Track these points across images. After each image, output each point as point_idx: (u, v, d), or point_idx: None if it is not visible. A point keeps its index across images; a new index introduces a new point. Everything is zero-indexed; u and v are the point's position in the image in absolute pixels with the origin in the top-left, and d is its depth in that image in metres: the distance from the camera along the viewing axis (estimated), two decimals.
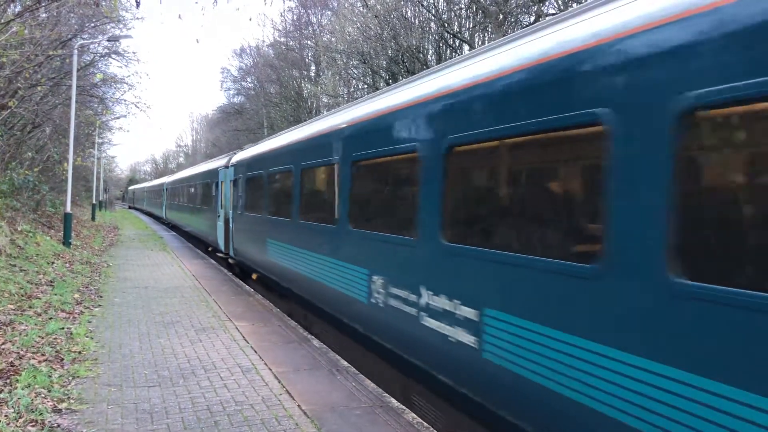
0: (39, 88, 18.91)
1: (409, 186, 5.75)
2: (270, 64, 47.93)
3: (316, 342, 8.39)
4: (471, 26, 27.55)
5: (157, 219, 46.75)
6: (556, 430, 3.70)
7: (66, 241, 18.44)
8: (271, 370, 6.93)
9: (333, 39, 33.21)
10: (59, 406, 5.51)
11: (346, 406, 5.77)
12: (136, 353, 7.48)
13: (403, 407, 5.88)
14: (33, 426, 5.03)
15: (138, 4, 14.80)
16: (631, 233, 3.14)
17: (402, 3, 27.03)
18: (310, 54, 44.53)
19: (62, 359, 6.97)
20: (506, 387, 4.17)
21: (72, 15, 20.34)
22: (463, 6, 26.93)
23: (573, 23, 3.89)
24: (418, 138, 5.50)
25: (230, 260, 16.17)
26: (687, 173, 2.88)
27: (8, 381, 5.98)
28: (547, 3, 22.40)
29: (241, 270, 15.26)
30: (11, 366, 6.41)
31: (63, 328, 8.27)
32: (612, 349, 3.22)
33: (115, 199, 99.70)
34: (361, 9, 29.37)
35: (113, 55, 26.88)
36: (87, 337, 8.09)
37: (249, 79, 58.47)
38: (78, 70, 20.23)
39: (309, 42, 43.40)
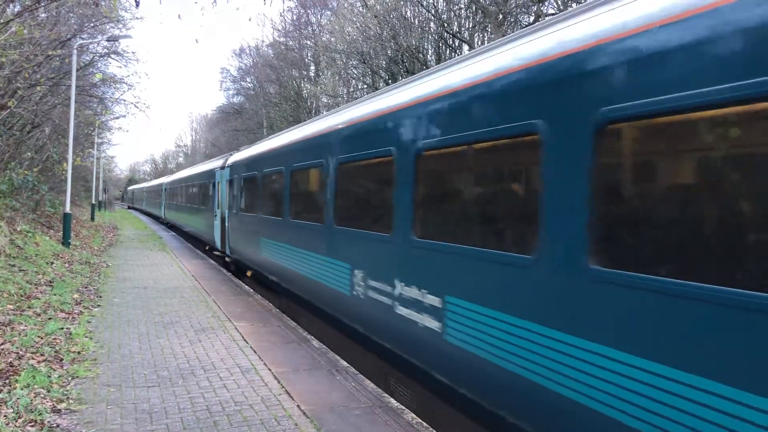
0: (38, 88, 18.88)
1: (387, 186, 6.19)
2: (269, 64, 47.94)
3: (315, 342, 8.38)
4: (470, 26, 27.55)
5: (156, 219, 46.75)
6: (505, 402, 4.24)
7: (65, 241, 18.43)
8: (270, 370, 6.93)
9: (332, 39, 33.20)
10: (58, 407, 5.50)
11: (346, 407, 5.76)
12: (136, 353, 7.47)
13: (403, 407, 5.88)
14: (32, 426, 5.02)
15: (137, 4, 14.80)
16: (558, 228, 3.67)
17: (401, 3, 27.03)
18: (309, 54, 44.53)
19: (61, 359, 6.97)
20: (464, 366, 4.70)
21: (71, 15, 20.34)
22: (462, 6, 26.93)
23: (511, 47, 4.55)
24: (394, 143, 6.02)
25: (226, 258, 16.62)
26: (606, 182, 3.41)
27: (7, 381, 5.98)
28: (546, 3, 22.41)
29: (237, 268, 15.69)
30: (10, 366, 6.41)
31: (62, 329, 8.27)
32: (544, 327, 3.77)
33: (115, 199, 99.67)
34: (361, 9, 29.36)
35: (112, 55, 26.92)
36: (86, 337, 8.09)
37: (248, 79, 58.49)
38: (77, 70, 20.22)
39: (308, 42, 43.40)
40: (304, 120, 21.34)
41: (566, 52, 3.74)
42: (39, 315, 9.02)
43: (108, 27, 23.35)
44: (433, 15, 27.52)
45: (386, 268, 6.09)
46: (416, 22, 28.43)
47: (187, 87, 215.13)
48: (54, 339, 7.73)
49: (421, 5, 27.32)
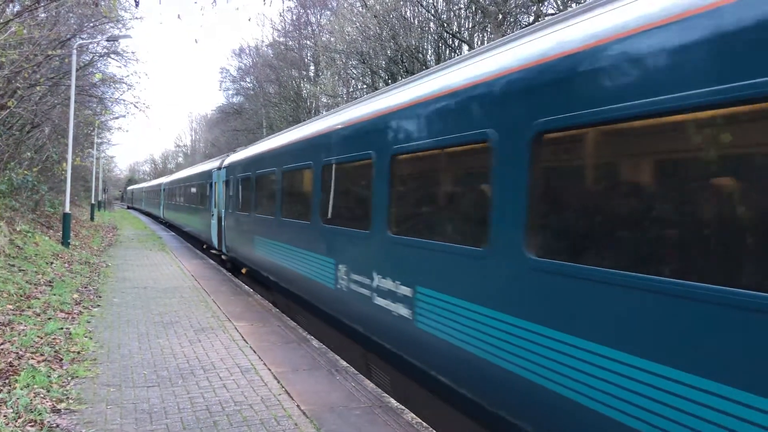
0: (38, 88, 18.86)
1: (366, 187, 6.69)
2: (269, 64, 47.92)
3: (315, 342, 8.38)
4: (470, 26, 27.56)
5: (156, 219, 46.75)
6: (467, 381, 4.72)
7: (65, 241, 18.43)
8: (270, 370, 6.93)
9: (332, 39, 33.20)
10: (58, 407, 5.50)
11: (346, 406, 5.77)
12: (135, 353, 7.47)
13: (402, 407, 5.88)
14: (32, 426, 5.02)
15: (137, 4, 14.80)
16: (503, 224, 4.23)
17: (401, 3, 27.02)
18: (309, 54, 44.53)
19: (61, 359, 6.96)
20: (431, 349, 5.20)
21: (71, 15, 20.32)
22: (462, 6, 26.93)
23: (467, 64, 5.14)
24: (372, 147, 6.55)
25: (223, 256, 17.13)
26: (542, 183, 3.96)
27: (7, 381, 5.98)
28: (546, 3, 22.41)
29: (233, 265, 16.17)
30: (10, 366, 6.41)
31: (62, 329, 8.26)
32: (493, 311, 4.32)
33: (114, 199, 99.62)
34: (361, 9, 29.36)
35: (112, 55, 26.90)
36: (86, 337, 8.09)
37: (248, 79, 58.47)
38: (77, 70, 20.21)
39: (308, 42, 43.39)
40: (304, 120, 21.45)
41: (504, 72, 4.38)
42: (38, 315, 9.02)
43: (107, 27, 23.35)
44: (432, 15, 27.53)
45: (365, 262, 6.61)
46: (416, 22, 28.44)
47: (187, 87, 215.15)
48: (54, 339, 7.73)
49: (421, 5, 27.32)
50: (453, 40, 27.72)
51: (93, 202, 42.76)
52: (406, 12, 28.11)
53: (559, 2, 21.38)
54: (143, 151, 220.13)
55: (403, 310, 5.68)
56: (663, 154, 3.22)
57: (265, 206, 11.64)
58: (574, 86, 3.64)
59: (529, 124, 4.01)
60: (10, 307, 9.07)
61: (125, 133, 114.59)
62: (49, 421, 5.14)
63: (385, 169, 6.15)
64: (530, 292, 3.94)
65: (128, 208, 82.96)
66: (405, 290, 5.66)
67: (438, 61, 27.28)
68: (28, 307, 9.34)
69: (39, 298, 10.08)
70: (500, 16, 22.71)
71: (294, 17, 44.76)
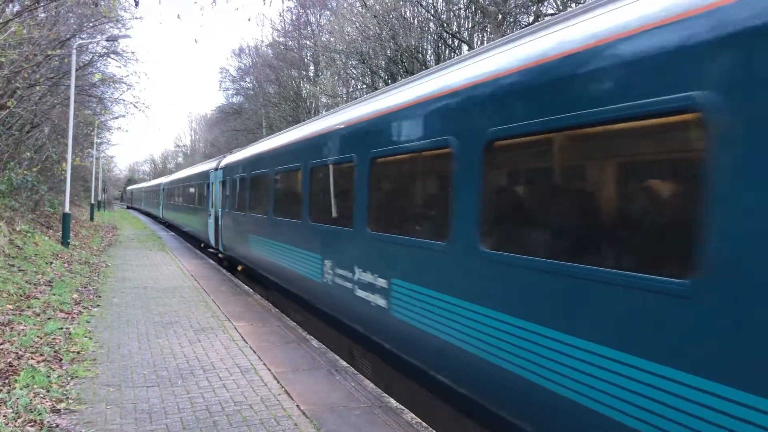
0: (37, 87, 18.85)
1: (349, 187, 7.15)
2: (269, 64, 47.90)
3: (315, 342, 8.39)
4: (470, 26, 27.56)
5: (155, 218, 46.75)
6: (436, 363, 5.22)
7: (64, 241, 18.42)
8: (270, 370, 6.93)
9: (332, 39, 33.19)
10: (58, 407, 5.50)
11: (345, 406, 5.77)
12: (135, 353, 7.47)
13: (402, 407, 5.88)
14: (32, 426, 5.02)
15: (137, 4, 14.79)
16: (462, 221, 4.75)
17: (401, 3, 27.01)
18: (308, 54, 44.51)
19: (61, 359, 6.96)
20: (404, 335, 5.72)
21: (71, 15, 20.30)
22: (462, 6, 26.92)
23: (434, 77, 5.73)
24: (354, 150, 7.06)
25: (219, 255, 17.66)
26: (492, 185, 4.53)
27: (7, 381, 5.98)
28: (546, 3, 22.41)
29: (230, 264, 16.75)
30: (10, 366, 6.41)
31: (62, 329, 8.26)
32: (454, 297, 4.83)
33: (114, 199, 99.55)
34: (360, 9, 29.35)
35: (112, 55, 26.85)
36: (86, 337, 8.09)
37: (248, 79, 58.43)
38: (76, 70, 20.19)
39: (308, 42, 43.38)
40: (304, 120, 21.55)
41: (462, 86, 4.93)
42: (38, 315, 9.02)
43: (107, 27, 23.31)
44: (432, 15, 27.52)
45: (348, 257, 7.12)
46: (415, 22, 28.43)
47: (187, 87, 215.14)
48: (53, 339, 7.73)
49: (421, 5, 27.31)
50: (453, 40, 27.72)
51: (93, 202, 42.75)
52: (405, 12, 28.10)
53: (558, 2, 21.38)
54: (143, 151, 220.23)
55: (380, 301, 6.20)
56: (580, 161, 3.89)
57: (258, 206, 12.12)
58: (509, 102, 4.28)
59: (482, 133, 4.53)
60: (10, 307, 9.06)
61: (125, 133, 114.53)
62: (48, 421, 5.14)
63: (366, 171, 6.67)
64: (483, 280, 4.48)
65: (128, 208, 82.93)
66: (382, 282, 6.17)
67: (438, 61, 27.28)
68: (28, 307, 9.34)
69: (39, 298, 10.08)
70: (500, 16, 22.71)
71: (294, 17, 44.76)
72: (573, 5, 19.50)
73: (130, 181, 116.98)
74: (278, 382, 6.46)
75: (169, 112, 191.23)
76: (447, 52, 28.01)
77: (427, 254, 5.28)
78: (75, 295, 10.98)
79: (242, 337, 8.45)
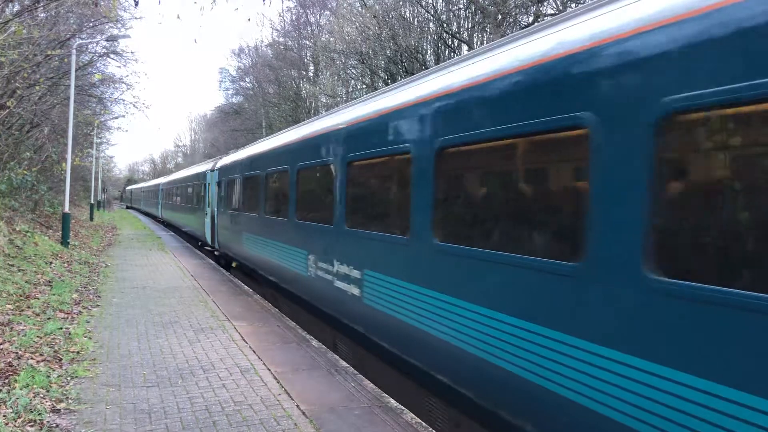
0: (37, 87, 18.86)
1: (330, 187, 7.83)
2: (268, 64, 47.90)
3: (314, 342, 8.39)
4: (470, 26, 27.56)
5: (154, 218, 46.76)
6: (400, 344, 5.86)
7: (64, 241, 18.41)
8: (269, 370, 6.93)
9: (331, 39, 33.19)
10: (58, 406, 5.50)
11: (345, 407, 5.77)
12: (135, 353, 7.47)
13: (402, 407, 5.88)
14: (31, 426, 5.02)
15: (136, 4, 14.79)
16: (418, 217, 5.41)
17: (400, 3, 27.02)
18: (308, 54, 44.51)
19: (61, 359, 6.96)
20: (375, 320, 6.34)
21: (70, 15, 20.29)
22: (461, 6, 26.92)
23: (397, 91, 6.47)
24: (333, 154, 7.79)
25: (216, 252, 18.43)
26: (442, 185, 5.17)
27: (7, 381, 5.98)
28: (545, 3, 22.41)
29: (225, 261, 17.49)
30: (10, 366, 6.41)
31: (61, 329, 8.26)
32: (412, 284, 5.51)
33: (114, 199, 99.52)
34: (360, 9, 29.36)
35: (112, 55, 26.81)
36: (85, 337, 8.09)
37: (247, 79, 58.44)
38: (76, 70, 20.19)
39: (307, 42, 43.38)
40: (303, 120, 21.64)
41: (419, 101, 5.66)
42: (38, 315, 9.02)
43: (107, 27, 23.29)
44: (432, 15, 27.53)
45: (329, 252, 7.76)
46: (415, 22, 28.44)
47: (186, 87, 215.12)
48: (53, 339, 7.72)
49: (420, 5, 27.32)
50: (452, 41, 27.73)
51: (92, 201, 42.73)
52: (405, 12, 28.11)
53: (558, 2, 21.39)
54: (143, 151, 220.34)
55: (355, 290, 6.85)
56: (499, 168, 4.74)
57: (251, 205, 12.79)
58: (449, 117, 5.04)
59: (433, 141, 5.23)
60: (10, 307, 9.06)
61: (124, 133, 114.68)
62: (48, 421, 5.14)
63: (343, 173, 7.38)
64: (435, 268, 5.15)
65: (127, 207, 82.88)
66: (356, 273, 6.82)
67: (437, 61, 27.28)
68: (28, 307, 9.34)
69: (38, 298, 10.08)
70: (499, 17, 22.71)
71: (293, 17, 44.77)
72: (573, 5, 19.51)
73: (130, 181, 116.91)
74: (278, 382, 6.47)
75: (169, 112, 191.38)
76: (447, 52, 28.00)
77: (393, 247, 5.97)
78: (75, 295, 10.98)
79: (242, 337, 8.45)
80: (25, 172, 20.35)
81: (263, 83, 49.37)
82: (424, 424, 5.58)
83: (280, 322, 9.62)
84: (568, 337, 3.58)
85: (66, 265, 14.85)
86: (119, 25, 24.08)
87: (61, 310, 9.55)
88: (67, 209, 19.78)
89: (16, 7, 15.73)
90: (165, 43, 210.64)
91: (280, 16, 55.57)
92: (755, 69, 2.59)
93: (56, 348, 7.36)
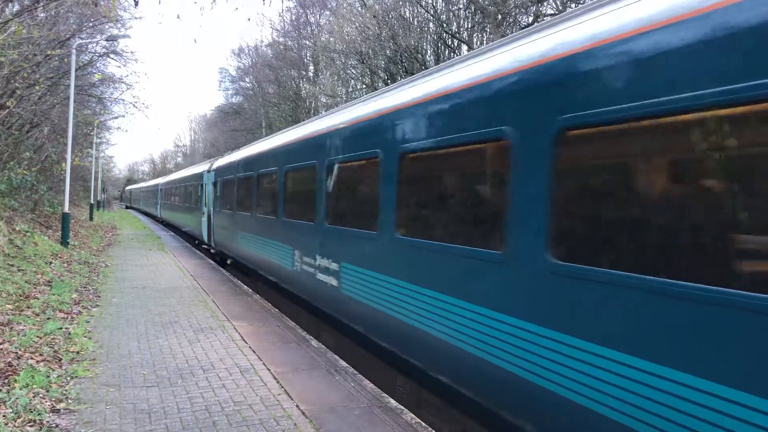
0: (37, 87, 18.85)
1: (313, 187, 8.56)
2: (268, 64, 47.88)
3: (314, 342, 8.39)
4: (469, 26, 27.56)
5: (153, 218, 46.77)
6: (372, 328, 6.54)
7: (64, 241, 18.41)
8: (269, 370, 6.93)
9: (331, 39, 33.18)
10: (57, 407, 5.50)
11: (345, 407, 5.77)
12: (135, 353, 7.47)
13: (402, 407, 5.89)
14: (31, 426, 5.02)
15: (136, 4, 14.79)
16: (385, 215, 6.14)
17: (400, 3, 27.01)
18: (308, 54, 44.50)
19: (60, 359, 6.96)
20: (351, 307, 7.07)
21: (70, 14, 20.28)
22: (461, 6, 26.92)
23: (368, 102, 7.33)
24: (316, 157, 8.56)
25: (212, 250, 19.21)
26: (402, 186, 5.91)
27: (6, 381, 5.98)
28: (545, 3, 22.41)
29: (221, 258, 18.23)
30: (9, 366, 6.41)
31: (61, 329, 8.26)
32: (379, 274, 6.23)
33: (113, 199, 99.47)
34: (360, 9, 29.35)
35: (111, 55, 26.77)
36: (85, 337, 8.08)
37: (247, 79, 58.41)
38: (76, 70, 20.18)
39: (307, 42, 43.37)
40: (303, 120, 21.74)
41: (386, 111, 6.41)
42: (38, 315, 9.01)
43: (107, 27, 23.27)
44: (431, 15, 27.53)
45: (312, 247, 8.47)
46: (415, 22, 28.43)
47: (186, 87, 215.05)
48: (53, 339, 7.72)
49: (420, 5, 27.31)
50: (452, 41, 27.72)
51: (92, 201, 42.70)
52: (405, 12, 28.10)
53: (558, 2, 21.38)
54: (142, 151, 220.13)
55: (334, 281, 7.55)
56: (442, 172, 5.51)
57: (244, 205, 13.54)
58: (408, 126, 5.83)
59: (396, 147, 6.00)
60: (10, 307, 9.06)
61: (124, 133, 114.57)
62: (48, 421, 5.14)
63: (324, 174, 8.10)
64: (397, 259, 5.88)
65: (127, 207, 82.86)
66: (335, 266, 7.53)
67: (437, 61, 27.28)
68: (27, 307, 9.33)
69: (38, 298, 10.07)
70: (499, 17, 22.71)
71: (293, 17, 44.75)
72: (572, 5, 19.51)
73: (130, 181, 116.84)
74: (278, 382, 6.47)
75: (169, 112, 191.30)
76: (447, 52, 28.00)
77: (365, 242, 6.67)
78: (74, 295, 10.98)
79: (242, 337, 8.45)
80: (24, 171, 20.34)
81: (263, 83, 49.35)
82: (423, 423, 5.58)
83: (280, 322, 9.62)
84: (496, 313, 4.33)
85: (66, 265, 14.85)
86: (119, 25, 24.07)
87: (60, 310, 9.55)
88: (66, 209, 19.77)
89: (16, 7, 15.73)
90: (165, 43, 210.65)
91: (280, 16, 55.51)
92: (604, 99, 3.45)
93: (56, 348, 7.36)
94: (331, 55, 32.49)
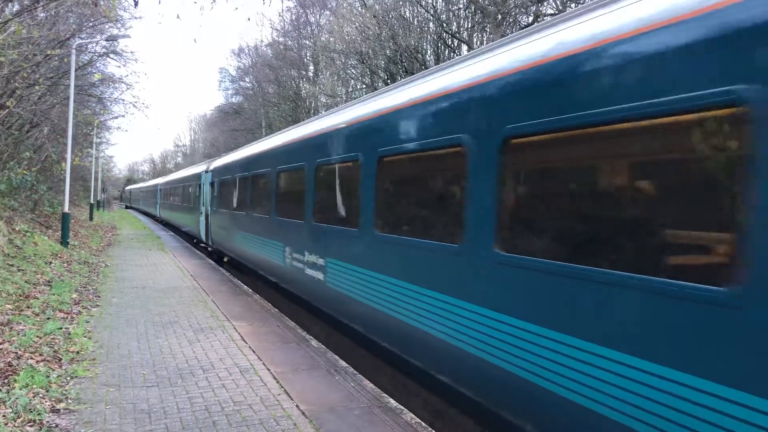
0: (37, 87, 18.84)
1: (302, 188, 9.08)
2: (268, 64, 47.88)
3: (314, 342, 8.39)
4: (469, 26, 27.56)
5: (153, 218, 46.78)
6: (353, 317, 7.11)
7: (64, 241, 18.40)
8: (269, 370, 6.93)
9: (331, 39, 33.18)
10: (57, 406, 5.50)
11: (345, 407, 5.77)
12: (135, 353, 7.47)
13: (402, 407, 5.89)
14: (31, 426, 5.02)
15: (136, 4, 14.78)
16: (365, 213, 6.62)
17: (400, 3, 27.01)
18: (308, 54, 44.50)
19: (60, 359, 6.96)
20: (336, 300, 7.58)
21: (70, 14, 20.27)
22: (461, 6, 26.92)
23: (349, 109, 8.10)
24: (304, 159, 9.11)
25: (209, 248, 19.75)
26: (380, 186, 6.44)
27: (6, 381, 5.98)
28: (545, 3, 22.40)
29: (218, 256, 18.71)
30: (9, 366, 6.41)
31: (61, 328, 8.26)
32: (359, 267, 6.78)
33: (113, 199, 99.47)
34: (360, 9, 29.35)
35: (111, 55, 26.76)
36: (85, 337, 8.08)
37: (247, 79, 58.40)
38: (76, 70, 20.18)
39: (307, 42, 43.37)
40: (303, 120, 21.76)
41: (365, 118, 7.03)
42: (38, 315, 9.01)
43: (107, 26, 23.26)
44: (431, 15, 27.53)
45: (301, 244, 9.01)
46: (415, 22, 28.43)
47: (186, 87, 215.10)
48: (53, 339, 7.72)
49: (420, 5, 27.31)
50: (452, 41, 27.72)
51: (92, 201, 42.69)
52: (405, 12, 28.10)
53: (558, 2, 21.38)
54: (142, 151, 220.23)
55: (320, 276, 8.07)
56: (413, 175, 6.13)
57: (240, 204, 14.07)
58: (384, 132, 6.37)
59: (374, 151, 6.50)
60: (9, 306, 9.06)
61: (124, 133, 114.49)
62: (48, 421, 5.14)
63: (312, 175, 8.67)
64: (376, 253, 6.37)
65: (126, 207, 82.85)
66: (321, 261, 8.04)
67: (437, 61, 27.28)
68: (27, 307, 9.33)
69: (38, 298, 10.07)
70: (499, 17, 22.71)
71: (293, 17, 44.75)
72: (572, 5, 19.50)
73: (129, 181, 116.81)
74: (278, 382, 6.47)
75: (169, 112, 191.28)
76: (447, 52, 28.00)
77: (347, 239, 7.17)
78: (74, 295, 10.98)
79: (242, 337, 8.45)
80: (24, 171, 20.33)
81: (263, 83, 49.35)
82: (423, 423, 5.58)
83: (280, 322, 9.62)
84: (454, 299, 4.89)
85: (65, 264, 14.85)
86: (119, 25, 24.06)
87: (60, 310, 9.55)
88: (66, 209, 19.77)
89: (16, 7, 15.72)
90: (165, 43, 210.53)
91: (279, 16, 55.57)
92: (536, 113, 4.02)
93: (56, 348, 7.36)
94: (331, 55, 32.50)
